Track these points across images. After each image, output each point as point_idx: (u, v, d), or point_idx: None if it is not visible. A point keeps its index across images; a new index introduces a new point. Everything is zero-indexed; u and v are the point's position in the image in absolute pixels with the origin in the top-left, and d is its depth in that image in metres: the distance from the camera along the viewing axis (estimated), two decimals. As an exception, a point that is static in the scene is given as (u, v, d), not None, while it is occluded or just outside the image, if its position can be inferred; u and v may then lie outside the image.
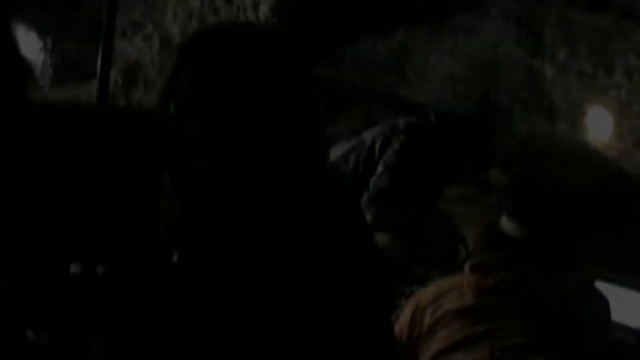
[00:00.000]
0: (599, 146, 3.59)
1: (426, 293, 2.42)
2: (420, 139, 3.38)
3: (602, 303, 2.49)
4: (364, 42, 4.25)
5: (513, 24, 3.55)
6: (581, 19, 3.24)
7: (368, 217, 3.13)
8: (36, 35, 5.04)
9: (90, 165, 1.11)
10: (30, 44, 5.00)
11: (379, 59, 4.24)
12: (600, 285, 2.77)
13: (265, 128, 1.57)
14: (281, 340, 1.57)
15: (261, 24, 4.07)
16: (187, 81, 1.56)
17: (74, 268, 1.18)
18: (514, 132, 3.49)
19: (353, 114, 4.79)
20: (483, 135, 3.40)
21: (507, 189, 2.50)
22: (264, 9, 4.05)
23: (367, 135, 3.50)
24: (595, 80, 3.35)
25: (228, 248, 1.63)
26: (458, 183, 3.68)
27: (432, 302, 2.35)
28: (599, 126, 3.50)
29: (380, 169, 3.33)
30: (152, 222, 1.12)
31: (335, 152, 3.50)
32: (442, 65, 3.98)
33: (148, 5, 4.67)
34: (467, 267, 2.34)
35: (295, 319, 1.57)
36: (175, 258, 1.71)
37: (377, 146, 3.40)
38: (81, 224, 1.11)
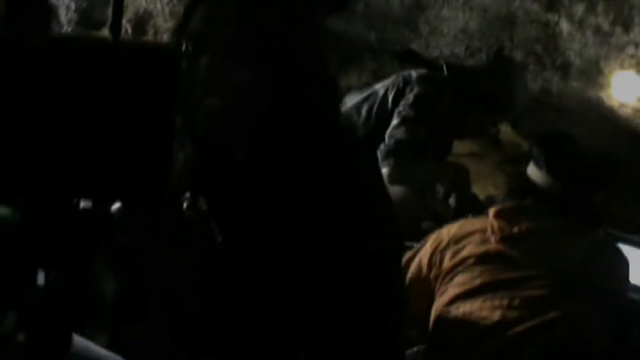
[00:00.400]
0: (614, 104, 3.56)
1: (448, 232, 2.43)
2: (433, 90, 3.34)
3: (623, 261, 2.48)
4: (377, -5, 4.21)
5: (530, -22, 3.50)
6: (599, -26, 3.20)
7: (386, 169, 3.15)
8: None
9: (100, 96, 1.08)
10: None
11: (392, 13, 4.20)
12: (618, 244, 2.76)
13: (279, 69, 1.54)
14: (291, 286, 1.56)
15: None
16: (199, 21, 1.53)
17: (84, 204, 1.16)
18: (527, 88, 3.44)
19: (365, 68, 4.76)
20: (495, 89, 3.35)
21: (539, 140, 2.51)
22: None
23: (380, 86, 3.46)
24: (612, 36, 3.31)
25: (239, 199, 1.61)
26: (468, 138, 3.66)
27: (454, 243, 2.36)
28: (615, 84, 3.46)
29: (395, 120, 3.30)
30: (162, 163, 1.09)
31: (348, 102, 3.47)
32: (456, 19, 3.93)
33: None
34: (492, 212, 2.36)
35: (305, 267, 1.55)
36: (184, 205, 1.70)
37: (390, 97, 3.36)
38: (88, 158, 1.08)
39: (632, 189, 4.31)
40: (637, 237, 3.30)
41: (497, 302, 2.24)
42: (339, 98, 1.73)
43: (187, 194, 1.69)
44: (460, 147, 3.91)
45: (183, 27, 1.54)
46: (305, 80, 1.56)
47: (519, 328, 2.19)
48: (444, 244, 2.38)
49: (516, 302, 2.24)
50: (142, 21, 4.68)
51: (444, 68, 3.42)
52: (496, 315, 2.22)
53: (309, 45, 1.58)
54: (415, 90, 3.30)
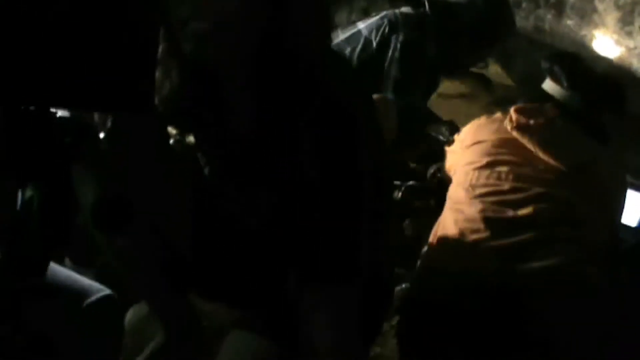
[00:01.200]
0: (608, 43, 3.52)
1: (469, 126, 2.68)
2: (418, 35, 3.32)
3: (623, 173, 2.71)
4: None
5: None
6: None
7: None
8: None
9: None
10: None
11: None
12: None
13: (269, 5, 1.49)
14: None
15: None
16: None
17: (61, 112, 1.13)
18: (513, 19, 3.41)
19: (355, 6, 4.70)
20: (478, 22, 3.33)
21: (557, 58, 2.67)
22: None
23: (363, 27, 3.41)
24: (608, -26, 3.25)
25: (226, 127, 1.58)
26: (456, 74, 3.64)
27: (475, 130, 2.61)
28: (609, 22, 3.42)
29: (387, 63, 3.29)
30: (145, 67, 1.05)
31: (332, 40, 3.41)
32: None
33: None
34: (513, 108, 2.52)
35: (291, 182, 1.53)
36: (171, 130, 1.66)
37: (375, 42, 3.32)
38: (67, 64, 1.04)
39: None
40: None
41: (503, 175, 2.43)
42: (330, 27, 1.69)
43: (174, 130, 1.67)
44: (450, 88, 3.89)
45: None
46: (296, 5, 1.52)
47: (519, 196, 2.38)
48: (464, 134, 2.65)
49: (519, 176, 2.42)
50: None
51: (427, 6, 3.39)
52: (500, 185, 2.42)
53: None
54: (401, 37, 3.27)
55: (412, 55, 3.30)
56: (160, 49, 1.54)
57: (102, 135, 1.47)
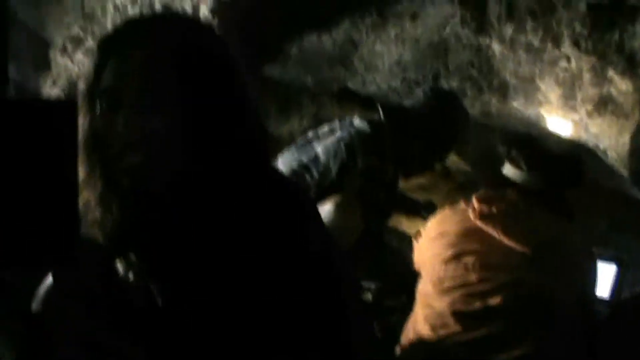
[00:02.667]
0: (554, 119, 3.57)
1: (433, 219, 2.84)
2: (379, 159, 3.32)
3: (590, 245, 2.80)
4: (309, 37, 4.18)
5: (456, 4, 3.50)
6: (524, -8, 3.21)
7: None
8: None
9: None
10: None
11: (326, 53, 4.18)
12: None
13: (198, 122, 1.50)
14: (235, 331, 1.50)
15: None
16: (110, 76, 1.48)
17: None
18: (468, 117, 3.45)
19: (305, 112, 4.74)
20: (434, 127, 3.36)
21: (514, 143, 2.69)
22: (204, 10, 3.97)
23: (321, 151, 3.37)
24: (544, 52, 3.31)
25: (175, 252, 1.56)
26: (415, 174, 3.66)
27: (439, 222, 2.74)
28: (552, 99, 3.47)
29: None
30: (70, 222, 1.04)
31: (285, 161, 3.41)
32: (390, 53, 3.93)
33: (87, 19, 4.56)
34: (474, 197, 2.64)
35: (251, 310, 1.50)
36: (120, 265, 1.63)
37: (334, 170, 3.30)
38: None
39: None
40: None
41: (468, 266, 2.52)
42: (267, 140, 1.69)
43: (121, 257, 1.64)
44: (409, 182, 3.90)
45: (95, 85, 1.49)
46: (228, 122, 1.53)
47: (486, 286, 2.44)
48: (428, 227, 2.78)
49: (486, 265, 2.51)
50: (75, 87, 4.61)
51: (380, 113, 3.40)
52: (467, 276, 2.49)
53: (227, 88, 1.54)
54: (361, 164, 3.26)
55: (373, 179, 3.29)
56: (99, 186, 1.54)
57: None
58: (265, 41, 4.32)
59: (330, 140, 3.37)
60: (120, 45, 1.51)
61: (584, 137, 3.65)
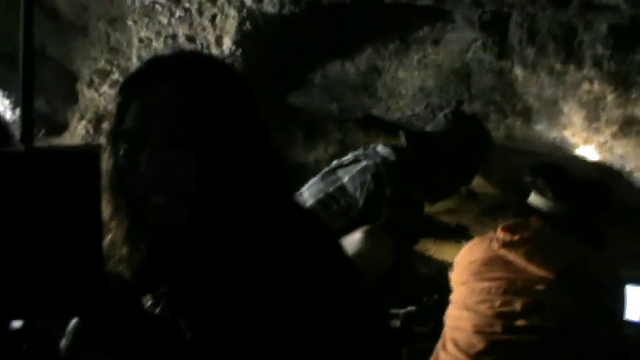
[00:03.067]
0: (578, 141, 3.56)
1: (463, 249, 2.79)
2: (406, 186, 3.33)
3: (618, 267, 2.69)
4: (332, 65, 4.21)
5: (478, 29, 3.52)
6: (544, 16, 3.21)
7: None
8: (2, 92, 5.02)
9: (17, 209, 1.05)
10: (-2, 104, 4.99)
11: (350, 80, 4.21)
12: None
13: (221, 160, 1.53)
14: None
15: (225, 59, 4.04)
16: (134, 117, 1.51)
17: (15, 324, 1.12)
18: (490, 140, 3.44)
19: (331, 139, 4.76)
20: (457, 151, 3.35)
21: (539, 170, 2.75)
22: (227, 43, 4.02)
23: (347, 181, 3.38)
24: (566, 75, 3.32)
25: (203, 286, 1.58)
26: (441, 198, 3.66)
27: (467, 251, 2.73)
28: (576, 121, 3.47)
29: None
30: (95, 264, 1.06)
31: (312, 191, 3.42)
32: (412, 79, 3.95)
33: (112, 52, 4.63)
34: (499, 227, 2.61)
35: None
36: (148, 301, 1.65)
37: (361, 200, 3.30)
38: (17, 274, 1.05)
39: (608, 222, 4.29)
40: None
41: (492, 289, 2.51)
42: (286, 175, 1.71)
43: (149, 293, 1.66)
44: (437, 206, 3.90)
45: (119, 126, 1.52)
46: (249, 157, 1.55)
47: (509, 308, 2.44)
48: (460, 256, 2.76)
49: (509, 290, 2.49)
50: (102, 120, 4.68)
51: (403, 139, 3.41)
52: (491, 300, 2.48)
53: (248, 127, 1.56)
54: (388, 192, 3.27)
55: (401, 208, 3.30)
56: (126, 225, 1.56)
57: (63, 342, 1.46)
58: (289, 70, 4.35)
59: (356, 170, 3.37)
60: (142, 86, 1.53)
61: (609, 159, 3.64)
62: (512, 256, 2.50)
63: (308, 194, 3.40)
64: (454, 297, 2.71)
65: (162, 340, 1.62)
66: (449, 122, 3.45)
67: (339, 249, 1.72)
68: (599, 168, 3.85)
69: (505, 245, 2.53)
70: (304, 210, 1.85)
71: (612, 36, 3.10)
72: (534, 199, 2.69)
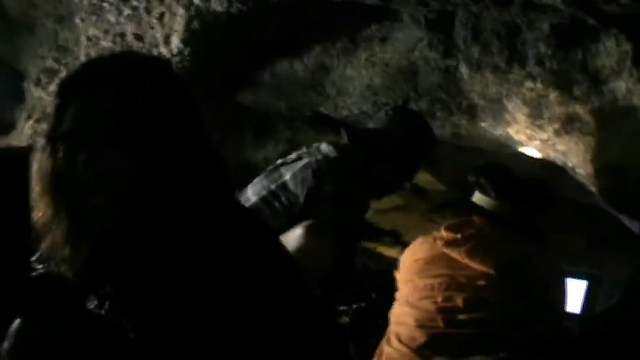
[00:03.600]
0: (522, 138, 3.61)
1: (407, 249, 2.85)
2: (348, 184, 3.35)
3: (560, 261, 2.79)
4: (281, 64, 4.22)
5: (424, 28, 3.55)
6: (488, 15, 3.24)
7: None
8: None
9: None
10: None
11: (298, 79, 4.22)
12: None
13: (159, 160, 1.53)
14: None
15: (173, 57, 4.03)
16: (71, 120, 1.51)
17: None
18: (434, 137, 3.47)
19: (280, 137, 4.77)
20: (399, 148, 3.36)
21: (483, 170, 2.84)
22: (175, 41, 4.00)
23: (289, 178, 3.39)
24: (510, 73, 3.36)
25: (145, 286, 1.58)
26: (385, 195, 3.67)
27: (411, 251, 2.79)
28: (520, 119, 3.52)
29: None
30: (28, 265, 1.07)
31: (255, 189, 3.43)
32: (360, 77, 3.97)
33: (60, 51, 4.59)
34: (443, 227, 2.69)
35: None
36: (93, 302, 1.65)
37: (302, 197, 3.31)
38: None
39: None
40: (564, 265, 3.35)
41: (434, 286, 2.56)
42: (225, 174, 1.72)
43: (92, 294, 1.66)
44: (385, 202, 3.93)
45: (57, 128, 1.52)
46: (187, 158, 1.56)
47: (450, 304, 2.49)
48: (404, 257, 2.81)
49: (451, 286, 2.55)
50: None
51: (344, 136, 3.42)
52: (433, 296, 2.53)
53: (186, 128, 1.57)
54: (329, 189, 3.28)
55: (342, 204, 3.29)
56: (66, 225, 1.56)
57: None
58: (238, 68, 4.35)
59: (298, 167, 3.39)
60: (80, 88, 1.54)
61: (552, 155, 3.70)
62: (455, 254, 2.55)
63: (252, 192, 3.40)
64: (398, 295, 2.74)
65: (106, 340, 1.62)
66: (390, 118, 3.47)
67: (279, 247, 1.74)
68: (543, 164, 3.91)
69: (449, 243, 2.57)
70: (243, 209, 1.86)
71: (554, 35, 3.14)
72: (478, 198, 2.76)
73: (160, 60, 1.79)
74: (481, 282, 2.50)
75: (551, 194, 2.83)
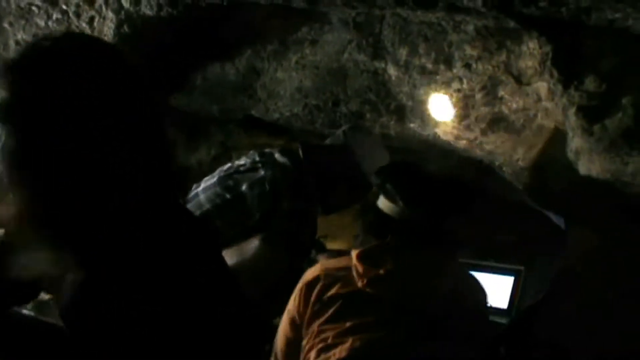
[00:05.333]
0: (450, 138, 3.67)
1: (314, 271, 2.51)
2: (305, 201, 3.36)
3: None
4: (212, 67, 4.22)
5: (352, 30, 3.59)
6: (415, 17, 3.30)
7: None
8: None
9: None
10: None
11: (229, 82, 4.23)
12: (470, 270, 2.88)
13: (108, 154, 1.52)
14: None
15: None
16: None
17: None
18: (385, 154, 3.51)
19: (213, 140, 4.77)
20: (351, 171, 3.38)
21: (386, 172, 2.60)
22: (105, 44, 3.97)
23: (245, 188, 3.37)
24: (437, 75, 3.42)
25: (79, 288, 1.58)
26: (334, 212, 3.71)
27: (321, 280, 2.45)
28: (447, 119, 3.57)
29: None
30: None
31: (209, 195, 3.42)
32: (291, 80, 3.99)
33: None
34: (354, 254, 2.43)
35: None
36: (62, 303, 1.64)
37: (259, 211, 3.31)
38: None
39: (483, 216, 4.44)
40: (492, 262, 3.42)
41: (361, 343, 2.29)
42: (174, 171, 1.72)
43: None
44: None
45: None
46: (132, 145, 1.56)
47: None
48: (309, 280, 2.48)
49: (377, 341, 2.31)
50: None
51: (301, 153, 3.42)
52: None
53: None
54: (287, 207, 3.29)
55: (298, 221, 3.33)
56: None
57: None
58: (170, 72, 4.34)
59: (255, 178, 3.36)
60: (23, 70, 1.51)
61: (479, 155, 3.76)
62: (379, 293, 2.40)
63: (204, 197, 3.39)
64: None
65: (42, 341, 1.63)
66: (347, 138, 3.49)
67: (217, 253, 1.76)
68: (472, 164, 3.98)
69: (371, 282, 2.40)
70: (185, 212, 1.87)
71: (479, 37, 3.21)
72: (383, 202, 2.52)
73: (108, 43, 1.76)
74: (404, 329, 2.36)
75: (468, 192, 2.71)
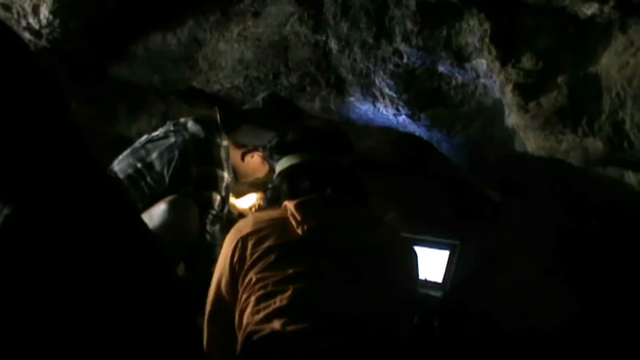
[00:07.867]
0: (390, 113, 3.70)
1: (246, 224, 2.55)
2: (212, 161, 3.39)
3: (413, 252, 2.64)
4: (154, 37, 4.18)
5: (295, 3, 3.58)
6: (357, -9, 3.31)
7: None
8: None
9: None
10: None
11: (171, 52, 4.20)
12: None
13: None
14: None
15: (43, 29, 3.96)
16: None
17: None
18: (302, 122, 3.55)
19: (154, 111, 4.74)
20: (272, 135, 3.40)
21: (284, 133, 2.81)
22: (44, 12, 3.92)
23: (155, 157, 3.40)
24: (378, 49, 3.43)
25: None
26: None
27: (255, 232, 2.48)
28: (387, 93, 3.59)
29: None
30: None
31: (122, 166, 3.43)
32: (233, 51, 3.98)
33: None
34: (292, 205, 2.49)
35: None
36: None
37: (167, 178, 3.34)
38: None
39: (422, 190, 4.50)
40: (428, 236, 3.47)
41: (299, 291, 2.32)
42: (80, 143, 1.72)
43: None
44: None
45: None
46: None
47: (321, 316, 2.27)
48: (244, 233, 2.49)
49: (317, 289, 2.35)
50: None
51: (217, 117, 3.46)
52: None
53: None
54: (195, 173, 3.32)
55: (206, 187, 3.40)
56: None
57: None
58: (111, 41, 4.29)
59: (164, 146, 3.41)
60: None
61: (417, 130, 3.80)
62: (317, 241, 2.47)
63: (118, 168, 3.41)
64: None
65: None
66: (265, 104, 3.55)
67: (140, 224, 1.76)
68: (410, 139, 4.01)
69: (310, 230, 2.47)
70: (107, 184, 1.86)
71: (420, 13, 3.21)
72: (285, 162, 2.74)
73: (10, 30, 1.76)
74: (345, 274, 2.41)
75: (347, 138, 2.82)
